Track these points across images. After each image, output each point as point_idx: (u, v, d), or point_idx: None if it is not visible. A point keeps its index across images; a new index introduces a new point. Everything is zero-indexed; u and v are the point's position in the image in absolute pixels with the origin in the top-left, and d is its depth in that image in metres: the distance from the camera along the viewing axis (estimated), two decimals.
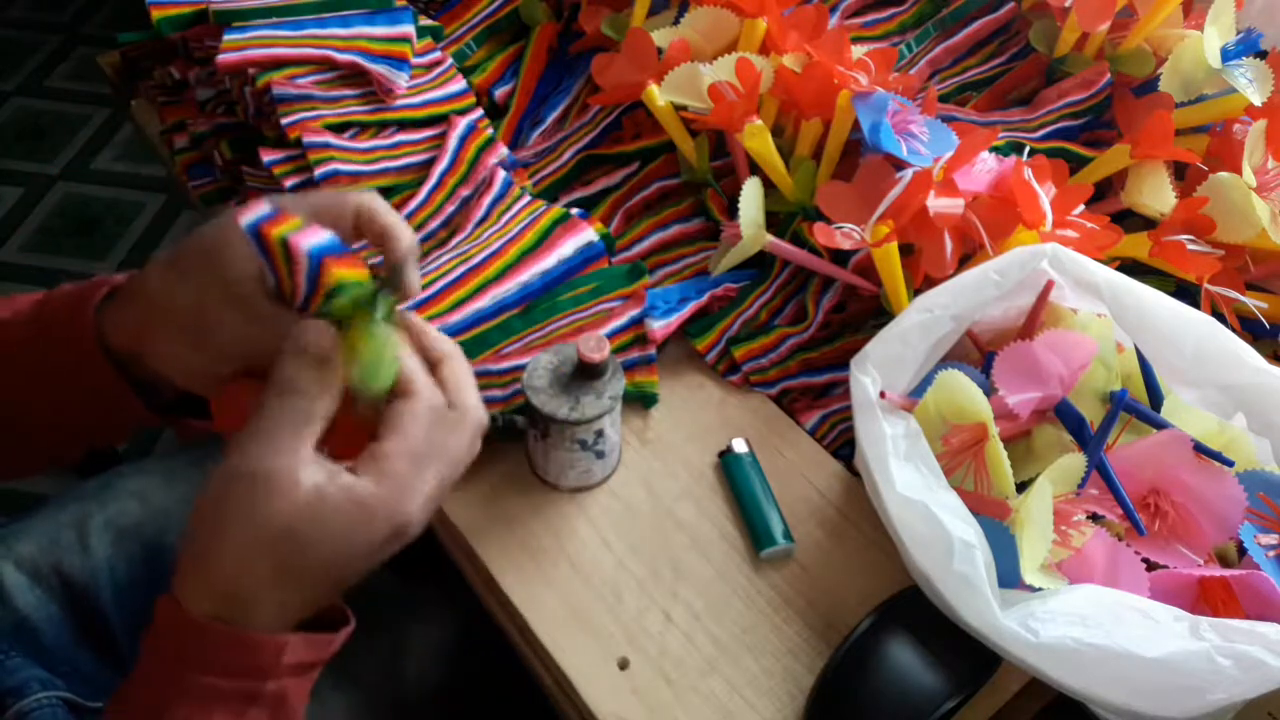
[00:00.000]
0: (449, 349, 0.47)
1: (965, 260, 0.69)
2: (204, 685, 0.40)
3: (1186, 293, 0.68)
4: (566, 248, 0.69)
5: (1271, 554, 0.55)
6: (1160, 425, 0.59)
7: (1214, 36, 0.74)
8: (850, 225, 0.66)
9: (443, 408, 0.45)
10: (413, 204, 0.72)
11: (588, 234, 0.70)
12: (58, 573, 0.65)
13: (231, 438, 0.41)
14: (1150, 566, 0.55)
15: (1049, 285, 0.62)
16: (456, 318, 0.65)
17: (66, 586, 0.65)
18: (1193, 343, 0.59)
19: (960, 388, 0.57)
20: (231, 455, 0.41)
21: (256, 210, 0.40)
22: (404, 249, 0.46)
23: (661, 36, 0.78)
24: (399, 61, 0.75)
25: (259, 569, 0.40)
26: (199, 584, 0.41)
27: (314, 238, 0.40)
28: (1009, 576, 0.53)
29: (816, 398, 0.72)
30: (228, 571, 0.40)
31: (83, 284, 0.51)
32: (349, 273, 0.41)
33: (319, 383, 0.41)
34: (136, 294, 0.49)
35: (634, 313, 0.69)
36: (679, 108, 0.76)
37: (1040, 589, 0.52)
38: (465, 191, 0.73)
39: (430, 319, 0.64)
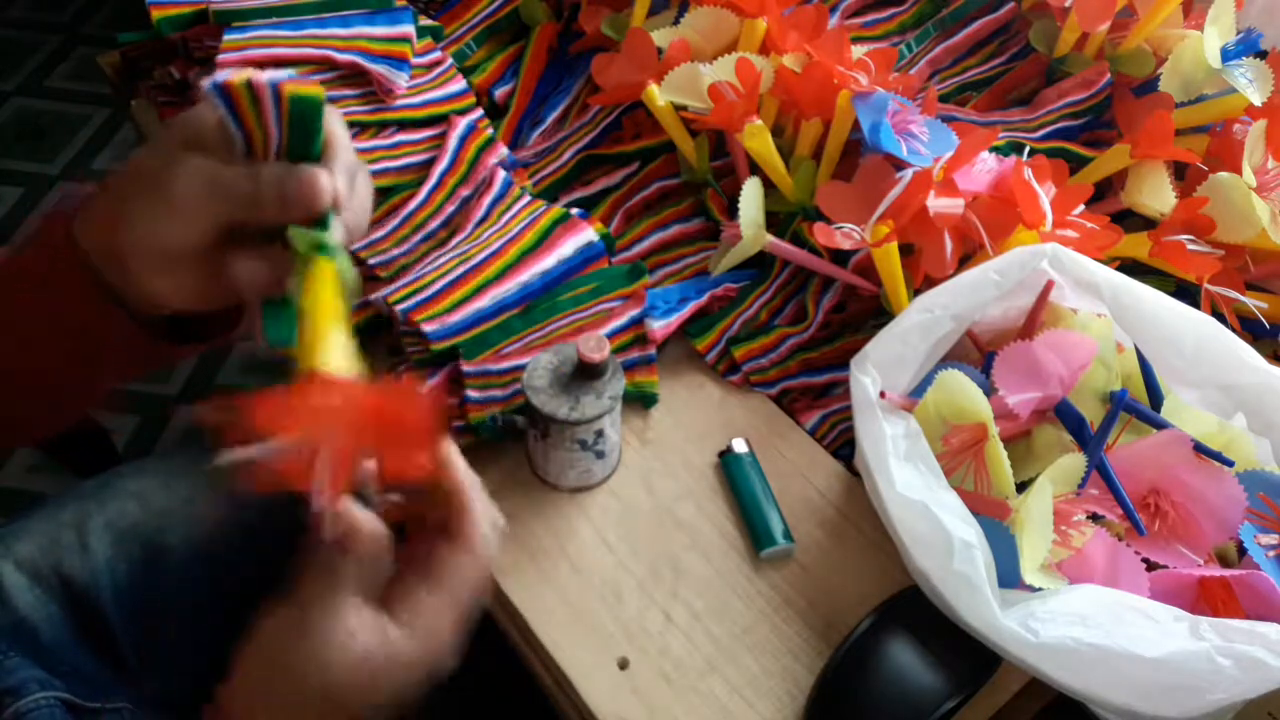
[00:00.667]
0: (471, 479, 0.46)
1: (965, 260, 0.69)
2: None
3: (1186, 293, 0.68)
4: (566, 248, 0.69)
5: (1271, 554, 0.55)
6: (1160, 425, 0.59)
7: (1214, 36, 0.74)
8: (850, 225, 0.66)
9: (476, 552, 0.45)
10: (413, 204, 0.72)
11: (588, 234, 0.70)
12: (57, 573, 0.65)
13: (299, 583, 0.42)
14: (1150, 566, 0.55)
15: (1049, 285, 0.62)
16: (456, 318, 0.65)
17: (66, 587, 0.65)
18: (1193, 343, 0.59)
19: (960, 388, 0.57)
20: (299, 604, 0.42)
21: (215, 76, 0.41)
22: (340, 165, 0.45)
23: (661, 36, 0.78)
24: (399, 61, 0.75)
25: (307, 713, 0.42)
26: (246, 710, 0.43)
27: (270, 74, 0.41)
28: (1009, 576, 0.53)
29: (816, 398, 0.72)
30: (274, 709, 0.42)
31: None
32: (305, 87, 0.41)
33: (373, 554, 0.42)
34: (105, 189, 0.47)
35: (634, 313, 0.69)
36: (679, 108, 0.76)
37: (1040, 589, 0.52)
38: (465, 191, 0.73)
39: (430, 319, 0.64)
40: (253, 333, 0.47)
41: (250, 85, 0.41)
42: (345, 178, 0.44)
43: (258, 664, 0.43)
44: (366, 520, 0.42)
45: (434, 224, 0.72)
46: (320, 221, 0.42)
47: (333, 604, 0.41)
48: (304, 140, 0.43)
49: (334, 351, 0.39)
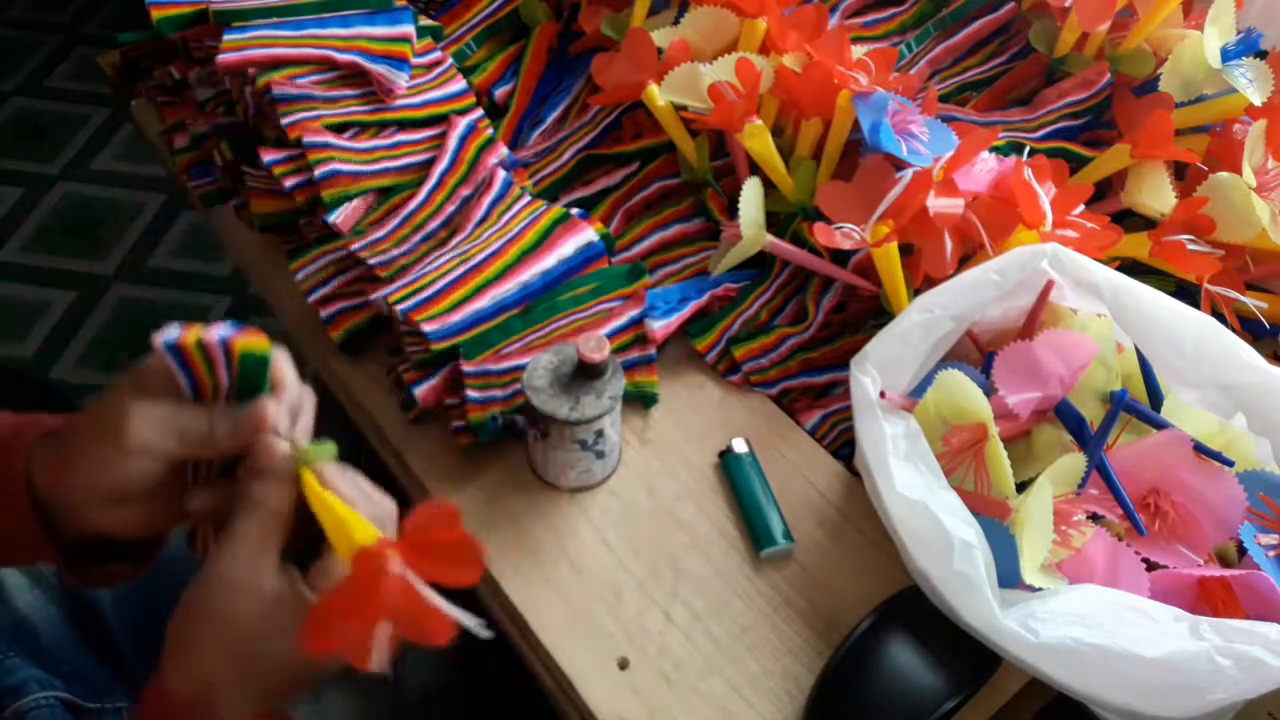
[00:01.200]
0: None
1: (965, 260, 0.69)
2: None
3: (1186, 293, 0.68)
4: (566, 248, 0.69)
5: (1271, 554, 0.55)
6: (1160, 425, 0.59)
7: (1214, 36, 0.74)
8: (850, 225, 0.66)
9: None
10: (413, 204, 0.72)
11: (588, 234, 0.70)
12: (57, 574, 0.65)
13: (210, 550, 0.46)
14: (1150, 566, 0.55)
15: (1049, 285, 0.62)
16: (456, 318, 0.65)
17: (66, 588, 0.65)
18: (1193, 343, 0.59)
19: (960, 388, 0.57)
20: (209, 564, 0.45)
21: (166, 333, 0.46)
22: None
23: (661, 36, 0.78)
24: (399, 61, 0.75)
25: (227, 661, 0.44)
26: (178, 671, 0.45)
27: (219, 330, 0.47)
28: (1009, 576, 0.53)
29: (816, 398, 0.72)
30: (202, 662, 0.45)
31: (14, 421, 0.51)
32: (252, 341, 0.47)
33: (280, 499, 0.45)
34: (60, 431, 0.50)
35: (634, 313, 0.69)
36: (679, 108, 0.77)
37: (1040, 589, 0.52)
38: (465, 191, 0.73)
39: (430, 319, 0.64)
40: (199, 553, 0.52)
41: (201, 344, 0.46)
42: (288, 413, 0.49)
43: (188, 612, 0.46)
44: (283, 472, 0.45)
45: (434, 224, 0.72)
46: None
47: (246, 557, 0.45)
48: (252, 387, 0.48)
49: (359, 530, 0.43)
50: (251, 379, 0.48)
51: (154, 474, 0.47)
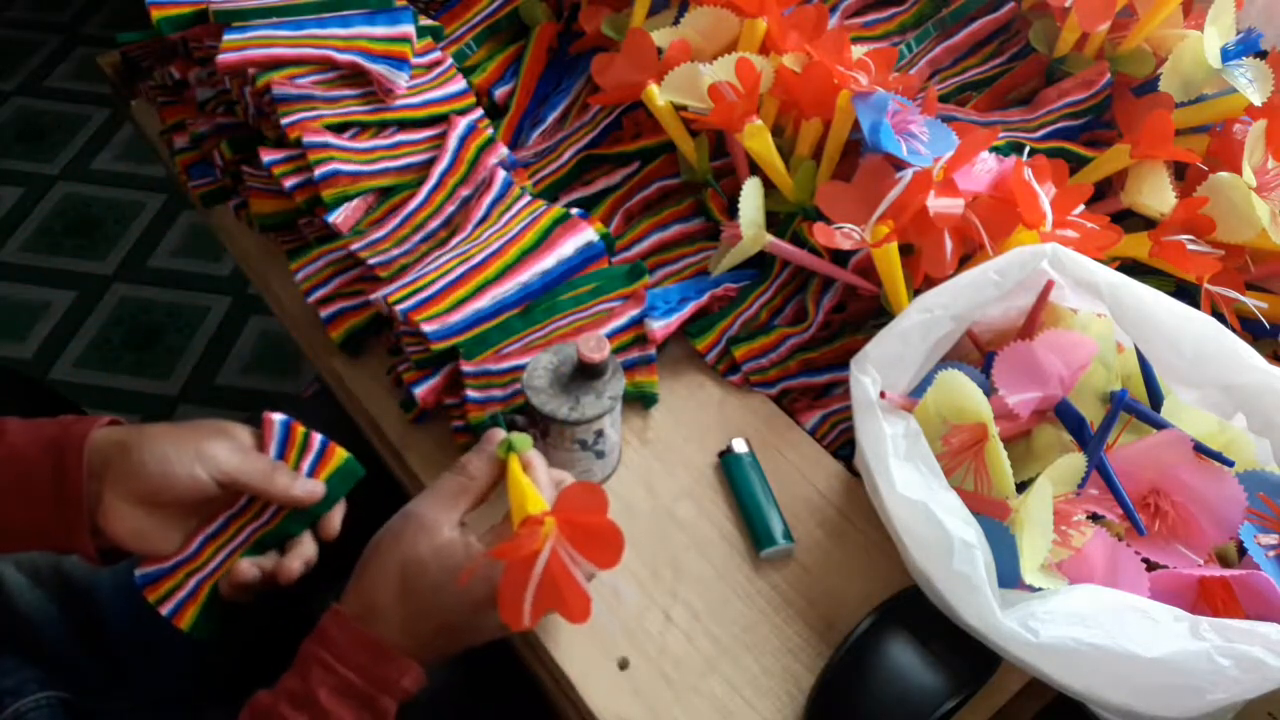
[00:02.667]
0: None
1: (965, 260, 0.69)
2: (341, 677, 0.49)
3: (1186, 293, 0.68)
4: (566, 248, 0.69)
5: (1271, 554, 0.55)
6: (1160, 425, 0.59)
7: (1214, 36, 0.74)
8: (850, 225, 0.66)
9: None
10: (413, 204, 0.72)
11: (588, 234, 0.70)
12: (58, 574, 0.65)
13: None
14: (1150, 566, 0.55)
15: (1049, 285, 0.62)
16: (456, 318, 0.65)
17: (66, 587, 0.65)
18: (1193, 343, 0.59)
19: (960, 388, 0.57)
20: (409, 505, 0.53)
21: (281, 415, 0.57)
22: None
23: (661, 36, 0.78)
24: (399, 61, 0.75)
25: (393, 586, 0.51)
26: (352, 591, 0.52)
27: (321, 435, 0.58)
28: (1009, 576, 0.53)
29: (816, 398, 0.72)
30: (372, 582, 0.51)
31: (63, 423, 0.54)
32: (350, 456, 0.58)
33: (483, 473, 0.54)
34: (136, 428, 0.55)
35: (634, 313, 0.69)
36: (679, 108, 0.76)
37: (1040, 589, 0.52)
38: (465, 191, 0.73)
39: (430, 319, 0.64)
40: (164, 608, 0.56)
41: (307, 433, 0.57)
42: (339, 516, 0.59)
43: (375, 541, 0.53)
44: (491, 452, 0.54)
45: (434, 224, 0.72)
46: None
47: (436, 502, 0.53)
48: (336, 490, 0.58)
49: (532, 503, 0.49)
50: (340, 479, 0.57)
51: (198, 489, 0.53)
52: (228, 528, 0.56)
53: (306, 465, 0.57)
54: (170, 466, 0.52)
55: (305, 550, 0.57)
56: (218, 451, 0.54)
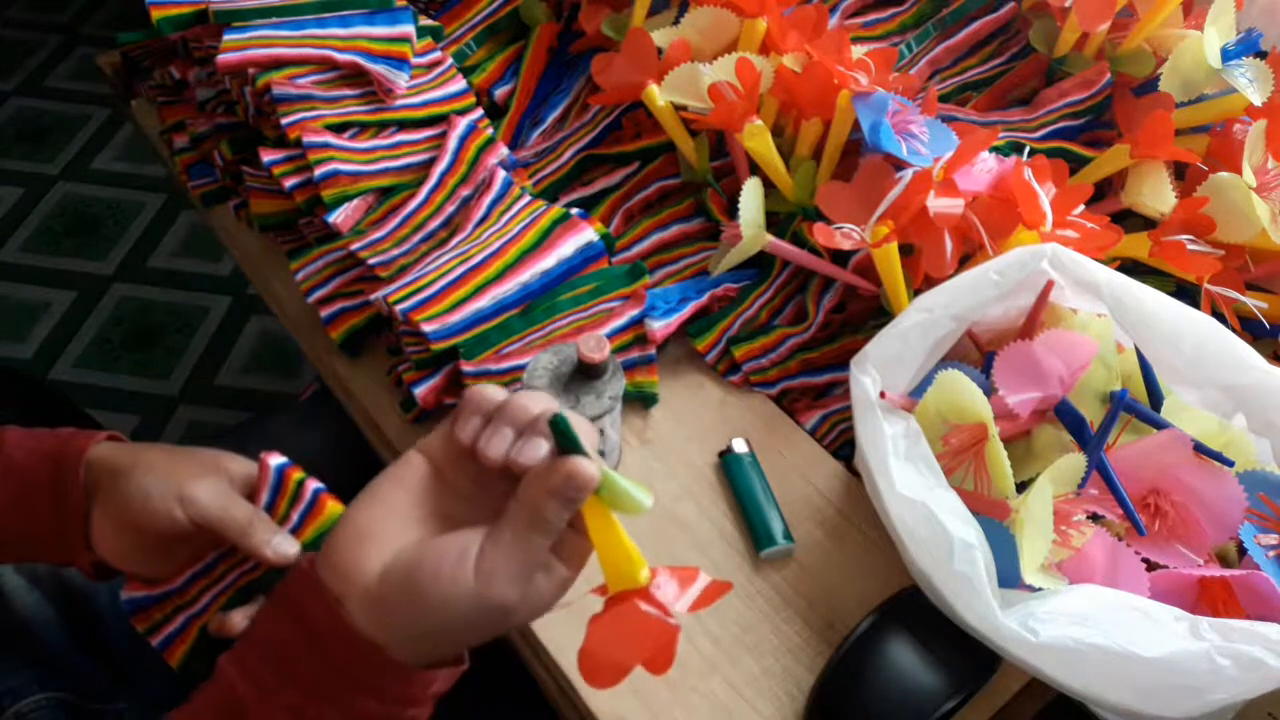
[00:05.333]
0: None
1: (965, 260, 0.69)
2: (359, 707, 0.41)
3: (1186, 293, 0.68)
4: (566, 248, 0.69)
5: (1271, 554, 0.55)
6: (1160, 425, 0.59)
7: (1214, 36, 0.74)
8: (850, 225, 0.66)
9: None
10: (413, 204, 0.72)
11: (588, 234, 0.70)
12: (56, 576, 0.65)
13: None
14: (1150, 566, 0.55)
15: (1049, 285, 0.62)
16: (456, 318, 0.65)
17: (64, 590, 0.65)
18: (1193, 343, 0.59)
19: (960, 388, 0.57)
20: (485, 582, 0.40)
21: (276, 457, 0.54)
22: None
23: (661, 36, 0.78)
24: (399, 61, 0.75)
25: (431, 637, 0.41)
26: (371, 616, 0.41)
27: (316, 483, 0.54)
28: (1009, 576, 0.53)
29: (816, 398, 0.72)
30: (402, 624, 0.41)
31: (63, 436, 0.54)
32: (338, 506, 0.55)
33: (558, 518, 0.41)
34: (137, 449, 0.54)
35: (634, 313, 0.69)
36: (679, 108, 0.76)
37: (1040, 589, 0.52)
38: (465, 191, 0.73)
39: (430, 319, 0.64)
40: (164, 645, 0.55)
41: (301, 482, 0.54)
42: None
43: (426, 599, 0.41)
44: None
45: (434, 224, 0.72)
46: (569, 441, 0.41)
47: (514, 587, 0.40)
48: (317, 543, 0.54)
49: (637, 565, 0.40)
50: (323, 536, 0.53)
51: (178, 529, 0.51)
52: (216, 567, 0.55)
53: (296, 516, 0.54)
54: (151, 504, 0.51)
55: None
56: (200, 494, 0.51)
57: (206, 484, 0.52)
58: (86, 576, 0.54)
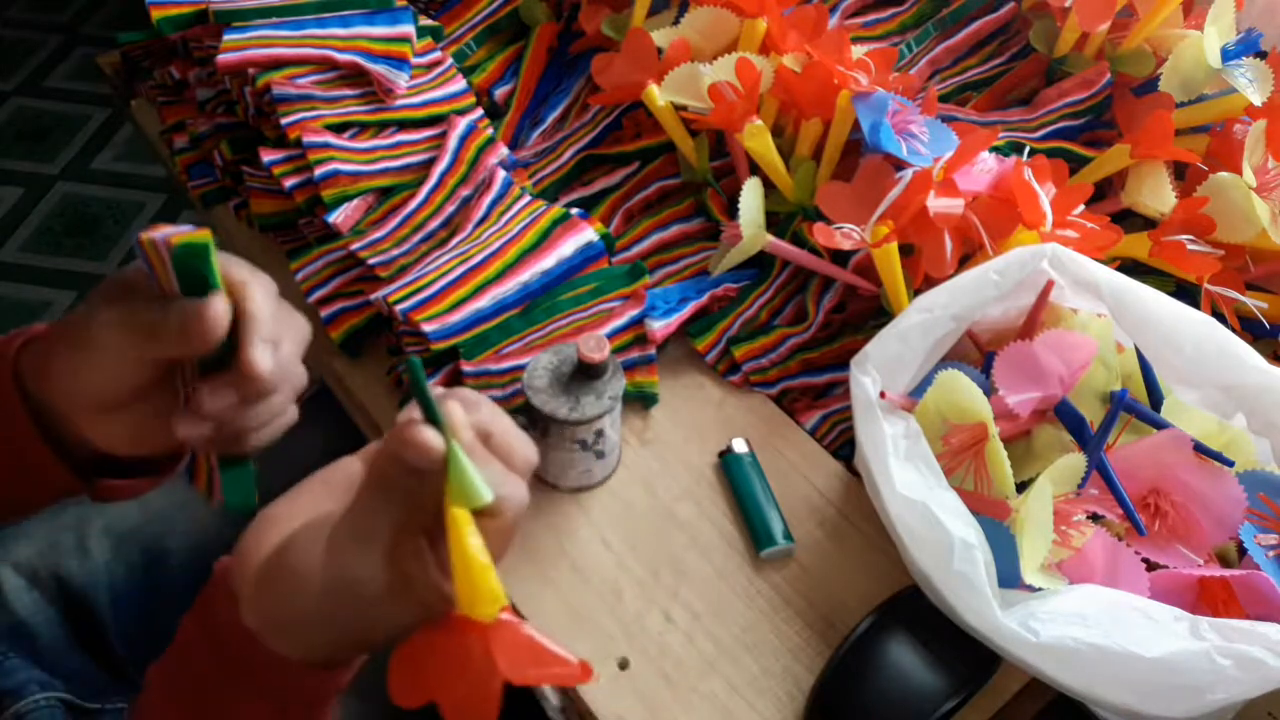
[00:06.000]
0: (501, 424, 0.42)
1: (965, 260, 0.69)
2: (251, 708, 0.40)
3: (1186, 293, 0.68)
4: (566, 248, 0.69)
5: (1271, 554, 0.55)
6: (1160, 425, 0.59)
7: (1214, 36, 0.74)
8: (850, 225, 0.66)
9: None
10: (413, 204, 0.72)
11: (588, 234, 0.70)
12: (56, 576, 0.65)
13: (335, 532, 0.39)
14: (1150, 566, 0.55)
15: (1049, 285, 0.62)
16: (456, 318, 0.65)
17: (64, 590, 0.65)
18: (1193, 343, 0.59)
19: (960, 388, 0.57)
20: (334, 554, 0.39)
21: (149, 232, 0.43)
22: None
23: (661, 36, 0.78)
24: (399, 61, 0.75)
25: (326, 630, 0.39)
26: (257, 606, 0.40)
27: (170, 229, 0.43)
28: (1009, 576, 0.53)
29: (816, 398, 0.72)
30: (300, 618, 0.39)
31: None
32: (189, 235, 0.43)
33: (419, 491, 0.38)
34: (40, 338, 0.48)
35: (634, 313, 0.69)
36: (679, 108, 0.76)
37: (1040, 589, 0.52)
38: (465, 191, 0.73)
39: (430, 319, 0.64)
40: (201, 489, 0.48)
41: (152, 242, 0.43)
42: (267, 300, 0.45)
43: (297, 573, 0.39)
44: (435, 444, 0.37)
45: (434, 224, 0.72)
46: (421, 395, 0.38)
47: (385, 523, 0.38)
48: (197, 284, 0.44)
49: (486, 600, 0.37)
50: (192, 275, 0.43)
51: (131, 378, 0.45)
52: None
53: (171, 276, 0.44)
54: (84, 378, 0.44)
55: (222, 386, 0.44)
56: (103, 335, 0.43)
57: (105, 313, 0.44)
58: (73, 490, 0.48)
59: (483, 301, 0.66)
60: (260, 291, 0.45)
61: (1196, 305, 0.62)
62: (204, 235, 0.43)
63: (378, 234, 0.70)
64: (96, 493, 0.50)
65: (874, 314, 0.73)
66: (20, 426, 0.47)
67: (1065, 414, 0.59)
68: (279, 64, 0.72)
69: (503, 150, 0.75)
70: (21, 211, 1.83)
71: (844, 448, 0.68)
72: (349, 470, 0.43)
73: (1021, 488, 0.56)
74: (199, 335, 0.42)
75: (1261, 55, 0.77)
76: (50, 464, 0.48)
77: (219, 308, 0.43)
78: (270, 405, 0.46)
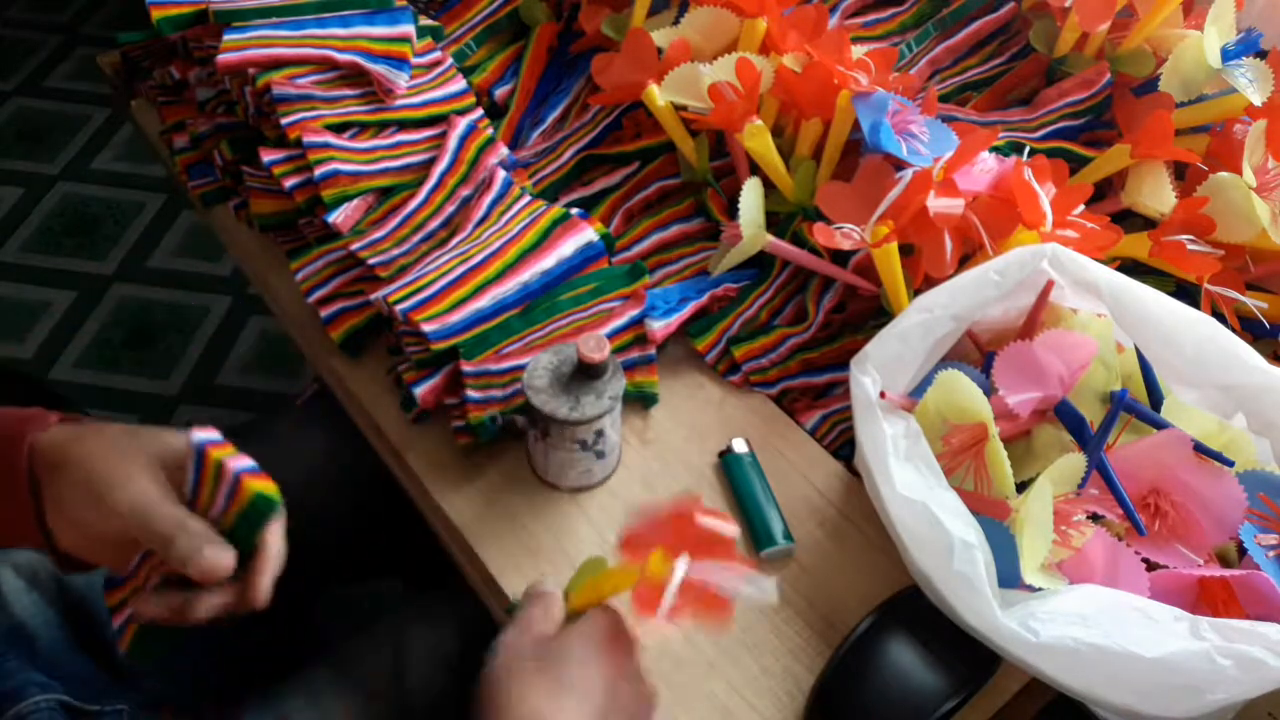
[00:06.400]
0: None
1: (965, 260, 0.69)
2: None
3: (1186, 293, 0.68)
4: (566, 247, 0.69)
5: (1271, 554, 0.55)
6: (1160, 425, 0.59)
7: (1214, 36, 0.74)
8: (850, 225, 0.66)
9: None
10: (413, 204, 0.72)
11: (588, 234, 0.70)
12: (56, 578, 0.65)
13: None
14: (1150, 566, 0.55)
15: (1049, 285, 0.62)
16: (456, 318, 0.65)
17: (63, 592, 0.65)
18: (1193, 343, 0.59)
19: (960, 388, 0.57)
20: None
21: (203, 433, 0.49)
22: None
23: (661, 36, 0.78)
24: (399, 61, 0.75)
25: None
26: None
27: (242, 462, 0.48)
28: (1009, 576, 0.53)
29: (816, 398, 0.72)
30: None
31: (17, 415, 0.52)
32: (265, 487, 0.48)
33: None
34: (61, 455, 0.51)
35: (634, 313, 0.69)
36: (679, 108, 0.76)
37: (1040, 589, 0.52)
38: (465, 191, 0.73)
39: (430, 319, 0.64)
40: (115, 624, 0.52)
41: (220, 464, 0.48)
42: (268, 579, 0.50)
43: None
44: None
45: (434, 224, 0.72)
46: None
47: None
48: (245, 529, 0.49)
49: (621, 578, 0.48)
50: (250, 521, 0.49)
51: (115, 537, 0.48)
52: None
53: (221, 499, 0.49)
54: (80, 511, 0.48)
55: (210, 601, 0.49)
56: (122, 503, 0.47)
57: (132, 489, 0.48)
58: (56, 565, 0.52)
59: (483, 301, 0.66)
60: (280, 526, 0.50)
61: (1196, 305, 0.62)
62: (275, 491, 0.49)
63: (378, 234, 0.70)
64: (64, 569, 0.53)
65: (874, 314, 0.73)
66: (21, 510, 0.50)
67: (1065, 414, 0.59)
68: (279, 64, 0.72)
69: (503, 150, 0.75)
70: (21, 211, 1.83)
71: (844, 448, 0.68)
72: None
73: (1021, 488, 0.56)
74: (198, 574, 0.47)
75: (1261, 55, 0.77)
76: (37, 543, 0.51)
77: (227, 564, 0.47)
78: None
